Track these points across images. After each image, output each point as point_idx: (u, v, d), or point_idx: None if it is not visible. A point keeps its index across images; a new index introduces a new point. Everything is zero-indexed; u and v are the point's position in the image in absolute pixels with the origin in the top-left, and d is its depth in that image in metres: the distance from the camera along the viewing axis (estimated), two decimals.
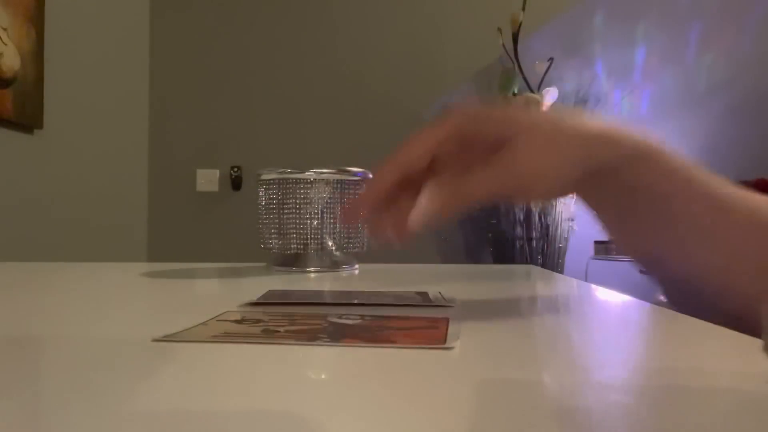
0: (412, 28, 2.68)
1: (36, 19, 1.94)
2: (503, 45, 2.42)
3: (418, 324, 0.31)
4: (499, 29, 2.43)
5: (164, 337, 0.26)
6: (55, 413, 0.18)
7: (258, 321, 0.31)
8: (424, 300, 0.38)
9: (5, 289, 0.49)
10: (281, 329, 0.29)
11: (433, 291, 0.42)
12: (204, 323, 0.30)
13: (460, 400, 0.19)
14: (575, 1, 2.60)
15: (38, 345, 0.28)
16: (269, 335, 0.28)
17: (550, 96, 2.39)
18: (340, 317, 0.32)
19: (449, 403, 0.19)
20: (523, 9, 2.37)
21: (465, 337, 0.28)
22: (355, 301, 0.37)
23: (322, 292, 0.45)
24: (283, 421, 0.17)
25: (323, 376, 0.22)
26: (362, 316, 0.33)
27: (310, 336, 0.27)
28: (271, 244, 0.66)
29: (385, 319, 0.32)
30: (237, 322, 0.31)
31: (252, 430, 0.16)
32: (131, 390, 0.20)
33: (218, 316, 0.32)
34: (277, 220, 0.65)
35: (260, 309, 0.35)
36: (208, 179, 2.69)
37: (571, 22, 2.60)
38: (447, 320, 0.32)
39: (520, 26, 2.36)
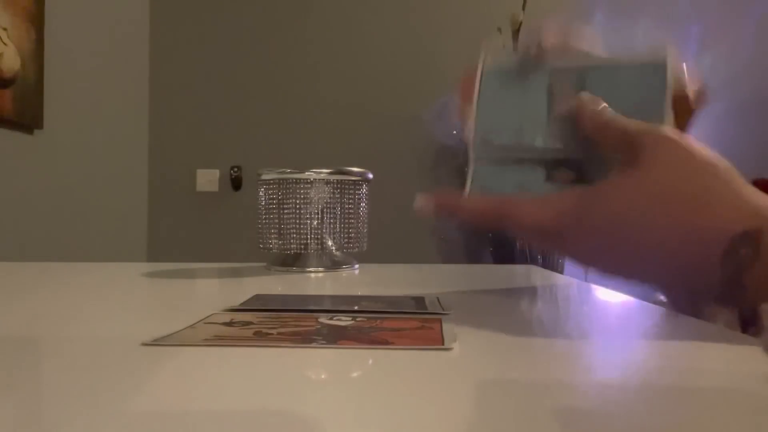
0: (412, 28, 2.68)
1: (36, 19, 1.94)
2: (503, 45, 2.42)
3: (410, 325, 0.31)
4: (499, 29, 2.43)
5: (153, 341, 0.26)
6: (49, 414, 0.18)
7: (248, 323, 0.30)
8: (418, 306, 0.37)
9: (5, 289, 0.49)
10: (273, 332, 0.29)
11: (430, 295, 0.42)
12: (191, 326, 0.30)
13: (460, 401, 0.19)
14: (575, 1, 2.60)
15: (32, 345, 0.28)
16: (262, 338, 0.27)
17: None
18: (331, 318, 0.32)
19: (449, 404, 0.19)
20: (523, 9, 2.37)
21: (464, 338, 0.28)
22: (342, 307, 0.36)
23: (311, 297, 0.45)
24: (284, 422, 0.17)
25: (323, 377, 0.22)
26: (354, 317, 0.32)
27: (304, 338, 0.27)
28: (270, 244, 0.66)
29: (377, 320, 0.32)
30: (226, 324, 0.30)
31: (252, 430, 0.16)
32: (128, 392, 0.20)
33: (205, 318, 0.32)
34: (277, 220, 0.65)
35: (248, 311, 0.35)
36: (208, 179, 2.69)
37: (571, 22, 2.59)
38: (440, 321, 0.32)
39: (520, 26, 2.36)
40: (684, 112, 0.39)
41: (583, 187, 0.36)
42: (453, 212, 0.40)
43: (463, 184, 0.41)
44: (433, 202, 0.39)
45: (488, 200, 0.38)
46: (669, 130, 0.35)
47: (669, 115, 0.38)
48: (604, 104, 0.38)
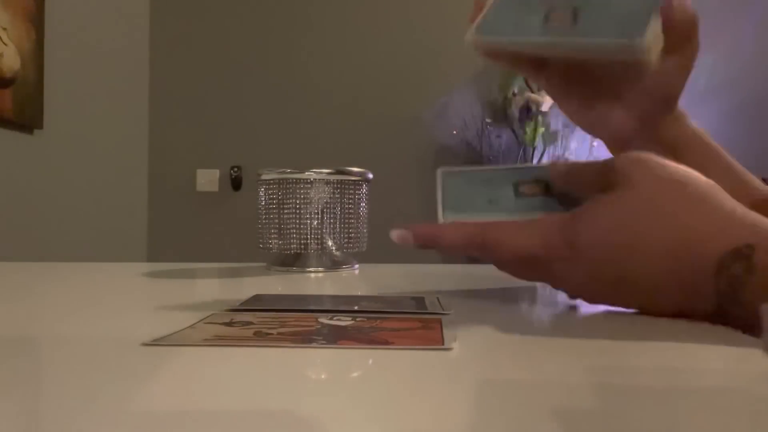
0: (412, 28, 2.68)
1: (36, 19, 1.95)
2: None
3: (411, 325, 0.31)
4: None
5: (153, 341, 0.26)
6: (49, 414, 0.18)
7: (248, 323, 0.30)
8: (418, 306, 0.37)
9: (5, 289, 0.49)
10: (273, 332, 0.29)
11: (430, 296, 0.42)
12: (191, 326, 0.30)
13: (460, 401, 0.19)
14: None
15: (32, 345, 0.28)
16: (262, 338, 0.27)
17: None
18: (331, 318, 0.32)
19: (449, 404, 0.19)
20: None
21: (464, 338, 0.28)
22: (342, 307, 0.36)
23: (311, 297, 0.45)
24: (284, 422, 0.17)
25: (323, 377, 0.22)
26: (354, 317, 0.32)
27: (304, 338, 0.27)
28: (270, 244, 0.66)
29: (377, 320, 0.32)
30: (226, 324, 0.30)
31: (252, 430, 0.16)
32: (128, 392, 0.20)
33: (205, 318, 0.32)
34: (277, 220, 0.65)
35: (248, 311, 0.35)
36: (208, 179, 2.69)
37: None
38: (440, 321, 0.32)
39: None
40: (674, 30, 0.39)
41: (565, 213, 0.35)
42: (434, 242, 0.38)
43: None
44: (412, 233, 0.38)
45: (470, 228, 0.37)
46: (641, 153, 0.34)
47: (656, 30, 0.38)
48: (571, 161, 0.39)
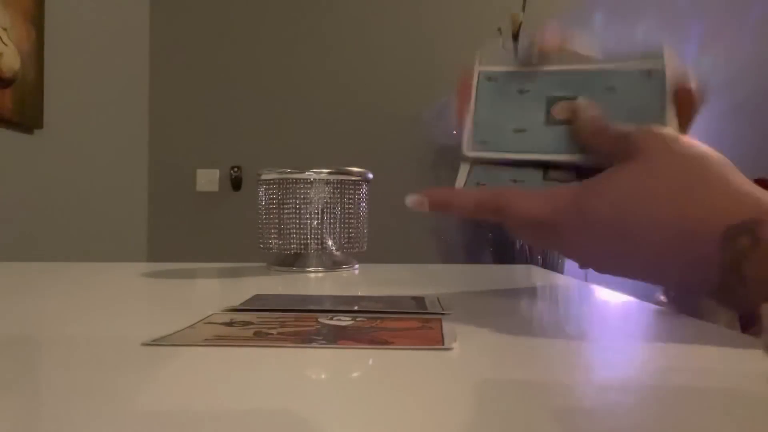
0: (412, 28, 2.68)
1: (36, 19, 1.94)
2: (503, 45, 2.42)
3: (411, 325, 0.31)
4: (499, 29, 2.43)
5: (153, 341, 0.26)
6: (49, 414, 0.18)
7: (248, 323, 0.30)
8: (418, 306, 0.37)
9: (5, 289, 0.49)
10: (273, 332, 0.29)
11: (430, 295, 0.42)
12: (191, 326, 0.30)
13: (460, 401, 0.19)
14: (575, 1, 2.60)
15: (32, 345, 0.28)
16: (262, 338, 0.27)
17: None
18: (331, 318, 0.32)
19: (449, 404, 0.19)
20: (523, 9, 2.37)
21: (464, 338, 0.28)
22: (342, 307, 0.36)
23: (311, 297, 0.45)
24: (283, 421, 0.17)
25: (323, 377, 0.22)
26: (354, 317, 0.32)
27: (304, 338, 0.27)
28: (270, 244, 0.66)
29: (377, 320, 0.32)
30: (226, 324, 0.30)
31: (252, 430, 0.16)
32: (128, 392, 0.20)
33: (205, 318, 0.32)
34: (277, 220, 0.65)
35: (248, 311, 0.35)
36: (208, 179, 2.69)
37: (571, 22, 2.59)
38: (440, 321, 0.32)
39: (520, 26, 2.36)
40: (687, 107, 0.39)
41: (577, 184, 0.36)
42: (447, 206, 0.39)
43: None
44: (426, 197, 0.39)
45: (483, 192, 0.38)
46: (660, 127, 0.35)
47: (671, 117, 0.38)
48: (599, 110, 0.38)
